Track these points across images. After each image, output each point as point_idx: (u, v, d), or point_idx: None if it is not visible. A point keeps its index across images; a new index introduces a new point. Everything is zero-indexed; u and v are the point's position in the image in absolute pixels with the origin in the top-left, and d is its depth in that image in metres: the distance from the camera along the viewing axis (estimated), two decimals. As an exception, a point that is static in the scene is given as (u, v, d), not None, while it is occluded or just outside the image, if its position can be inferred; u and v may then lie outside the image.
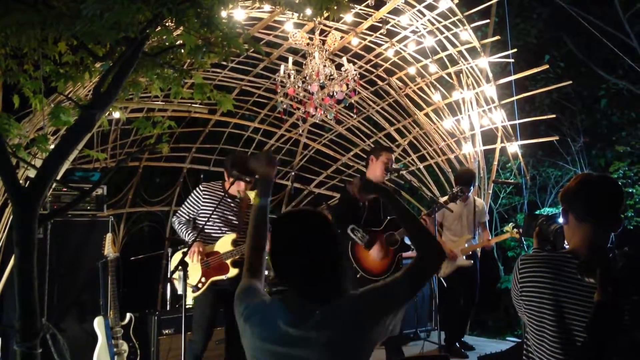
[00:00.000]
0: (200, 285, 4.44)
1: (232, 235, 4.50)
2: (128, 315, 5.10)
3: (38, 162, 3.21)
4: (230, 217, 4.57)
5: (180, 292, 4.62)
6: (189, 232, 4.57)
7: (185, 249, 4.46)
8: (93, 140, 6.41)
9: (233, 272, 4.48)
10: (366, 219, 5.00)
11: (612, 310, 1.79)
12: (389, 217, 5.03)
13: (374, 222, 5.03)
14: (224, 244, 4.49)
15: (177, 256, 4.71)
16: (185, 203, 4.69)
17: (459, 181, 5.92)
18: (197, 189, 4.67)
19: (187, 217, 4.66)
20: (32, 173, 4.04)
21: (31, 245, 2.49)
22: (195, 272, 4.44)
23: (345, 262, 2.05)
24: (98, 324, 4.91)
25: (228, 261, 4.48)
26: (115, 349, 4.89)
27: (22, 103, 3.41)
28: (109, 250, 5.01)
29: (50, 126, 3.76)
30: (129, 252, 6.55)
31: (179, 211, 4.71)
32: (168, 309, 6.10)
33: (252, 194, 4.55)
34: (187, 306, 4.44)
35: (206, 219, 4.45)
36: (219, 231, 4.55)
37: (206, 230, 4.54)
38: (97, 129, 6.00)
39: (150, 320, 5.37)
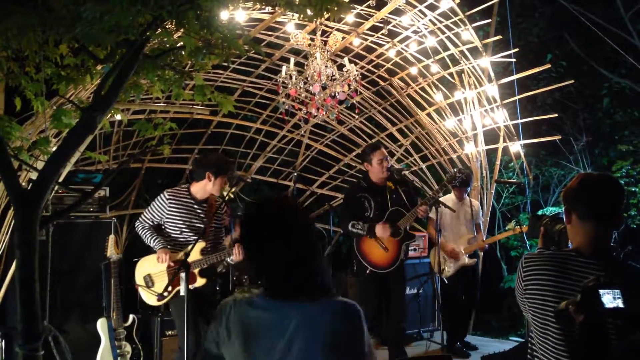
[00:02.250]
0: (166, 294, 4.23)
1: (200, 244, 4.33)
2: (131, 316, 5.11)
3: (40, 165, 3.22)
4: (197, 224, 4.44)
5: (148, 302, 4.53)
6: (154, 237, 4.41)
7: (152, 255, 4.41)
8: (95, 142, 6.42)
9: (200, 282, 4.37)
10: (374, 215, 5.04)
11: (595, 329, 1.81)
12: (390, 209, 5.05)
13: (383, 217, 5.06)
14: (193, 252, 4.19)
15: (145, 262, 4.53)
16: (150, 208, 4.52)
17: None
18: (163, 195, 4.46)
19: (151, 223, 4.50)
20: (34, 175, 4.05)
21: (32, 248, 2.50)
22: (161, 280, 4.36)
23: (322, 258, 1.93)
24: (101, 325, 4.92)
25: (195, 270, 4.34)
26: (118, 351, 4.90)
27: (24, 105, 3.42)
28: (112, 251, 5.02)
29: (52, 128, 3.76)
30: (131, 253, 6.55)
31: (142, 216, 4.55)
32: (170, 310, 6.10)
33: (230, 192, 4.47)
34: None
35: (173, 228, 4.40)
36: (186, 238, 4.43)
37: (172, 236, 4.44)
38: (99, 131, 6.01)
39: (153, 321, 5.38)
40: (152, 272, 4.43)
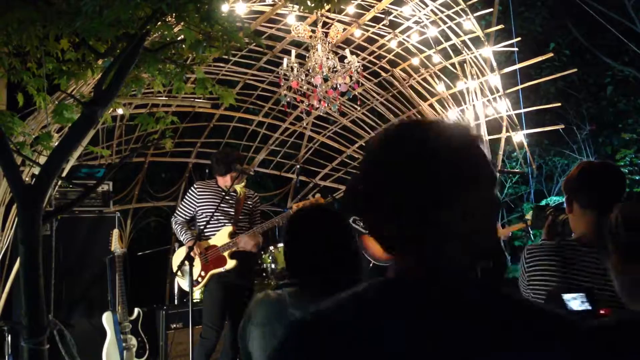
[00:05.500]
0: (200, 279, 4.52)
1: (228, 228, 4.55)
2: (136, 310, 5.13)
3: (43, 160, 3.23)
4: (227, 209, 4.61)
5: (184, 288, 4.74)
6: (184, 231, 4.65)
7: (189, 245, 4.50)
8: (98, 136, 6.42)
9: (231, 263, 4.52)
10: None
11: None
12: None
13: None
14: (221, 236, 4.55)
15: (180, 252, 4.74)
16: (182, 203, 4.77)
17: None
18: (192, 188, 4.74)
19: (184, 217, 4.72)
20: (37, 171, 4.07)
21: (36, 242, 2.51)
22: (195, 267, 4.50)
23: (362, 261, 2.02)
24: (106, 319, 4.95)
25: (225, 253, 4.52)
26: (124, 344, 4.92)
27: (26, 101, 3.42)
28: (116, 245, 5.05)
29: (54, 123, 3.77)
30: (136, 247, 6.59)
31: (176, 211, 4.79)
32: (176, 303, 6.13)
33: (238, 187, 4.64)
34: (195, 300, 4.50)
35: (205, 217, 4.52)
36: (218, 226, 4.60)
37: (205, 230, 4.56)
38: (102, 126, 6.02)
39: (158, 314, 5.41)
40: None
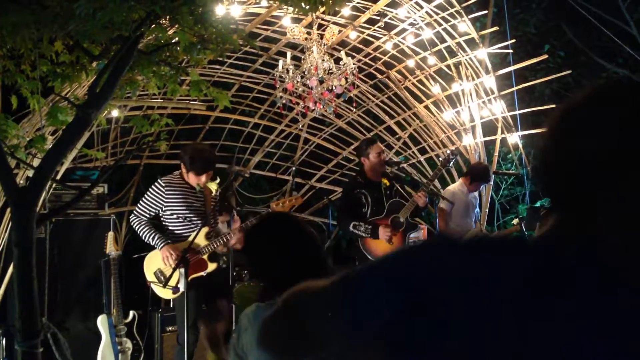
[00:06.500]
0: (180, 286, 4.12)
1: (204, 229, 4.24)
2: (131, 313, 5.11)
3: (37, 162, 3.22)
4: (199, 206, 4.31)
5: (162, 296, 4.55)
6: (153, 234, 4.24)
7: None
8: (93, 139, 6.41)
9: (212, 266, 4.29)
10: (372, 211, 5.02)
11: None
12: (389, 202, 5.05)
13: (381, 212, 5.04)
14: (197, 239, 4.19)
15: (153, 257, 4.42)
16: (145, 200, 4.32)
17: (475, 177, 5.90)
18: (157, 183, 4.29)
19: (149, 216, 4.33)
20: (32, 173, 4.05)
21: (30, 245, 2.50)
22: (169, 272, 4.18)
23: (329, 264, 2.00)
24: (101, 322, 4.93)
25: (205, 256, 4.27)
26: (119, 347, 4.91)
27: (20, 104, 3.42)
28: (111, 248, 5.02)
29: (49, 126, 3.77)
30: (131, 249, 6.56)
31: (138, 209, 4.35)
32: (171, 305, 6.11)
33: (212, 185, 4.36)
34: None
35: (177, 217, 4.27)
36: (188, 225, 4.30)
37: (174, 227, 4.32)
38: (97, 128, 6.01)
39: (153, 317, 5.40)
40: (162, 266, 4.30)
